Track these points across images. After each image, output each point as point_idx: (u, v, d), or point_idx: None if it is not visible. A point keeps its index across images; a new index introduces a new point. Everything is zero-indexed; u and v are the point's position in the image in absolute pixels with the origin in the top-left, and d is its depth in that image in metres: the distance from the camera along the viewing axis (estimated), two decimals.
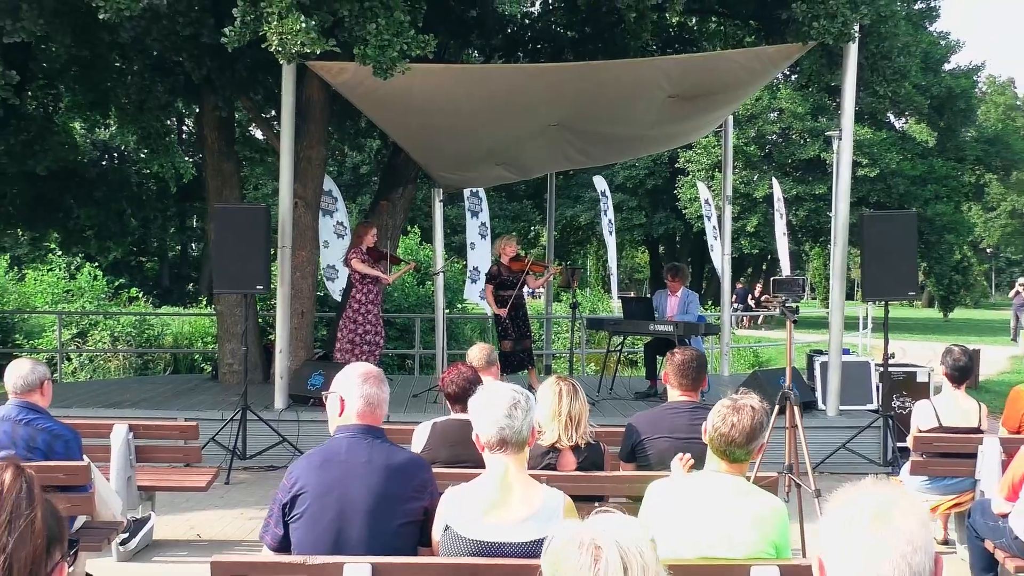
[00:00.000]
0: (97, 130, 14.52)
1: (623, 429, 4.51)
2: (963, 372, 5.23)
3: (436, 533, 3.00)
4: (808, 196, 29.96)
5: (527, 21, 12.10)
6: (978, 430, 5.23)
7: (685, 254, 36.23)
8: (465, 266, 20.68)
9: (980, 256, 53.50)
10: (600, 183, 16.24)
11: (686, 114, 9.72)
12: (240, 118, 13.27)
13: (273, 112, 11.75)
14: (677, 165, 31.96)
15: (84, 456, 4.52)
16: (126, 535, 5.45)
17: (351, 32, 7.08)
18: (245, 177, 13.66)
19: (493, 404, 2.97)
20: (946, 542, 5.86)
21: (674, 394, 4.35)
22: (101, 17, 6.95)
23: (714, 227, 15.53)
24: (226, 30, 7.03)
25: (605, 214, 16.37)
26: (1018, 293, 27.52)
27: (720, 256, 12.73)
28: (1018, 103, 55.61)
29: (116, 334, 15.86)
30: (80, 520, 4.59)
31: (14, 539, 1.66)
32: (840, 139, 8.64)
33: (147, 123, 11.82)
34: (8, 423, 4.27)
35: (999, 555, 4.42)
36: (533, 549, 2.89)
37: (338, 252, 11.10)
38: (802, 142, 30.55)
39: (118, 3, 6.68)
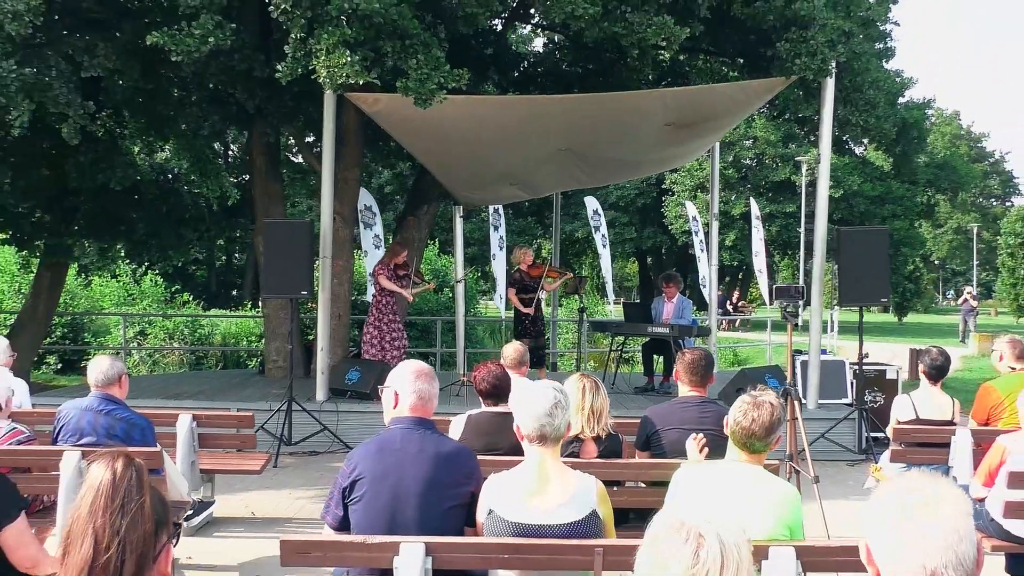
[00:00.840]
0: (154, 154, 14.47)
1: (637, 421, 4.45)
2: (940, 371, 5.15)
3: (480, 516, 2.94)
4: (779, 214, 30.05)
5: (534, 59, 12.03)
6: (951, 423, 5.16)
7: (671, 265, 36.10)
8: (480, 275, 20.61)
9: (929, 267, 53.41)
10: (591, 203, 16.08)
11: (680, 140, 9.67)
12: (282, 142, 13.20)
13: (313, 137, 11.70)
14: (664, 186, 31.92)
15: (156, 443, 4.46)
16: (191, 512, 5.39)
17: (386, 66, 7.02)
18: (285, 195, 13.59)
19: (536, 402, 2.88)
20: None
21: (684, 389, 4.29)
22: (173, 59, 6.93)
23: (701, 241, 15.42)
24: (279, 65, 7.00)
25: (598, 230, 16.25)
26: (966, 300, 27.52)
27: (707, 266, 12.65)
28: (962, 132, 55.71)
29: (172, 333, 15.85)
30: None
31: (127, 523, 1.63)
32: (819, 163, 8.54)
33: (200, 148, 11.78)
34: (91, 413, 4.23)
35: (976, 536, 4.33)
36: (570, 530, 2.83)
37: (375, 261, 11.07)
38: (774, 166, 30.59)
39: (188, 46, 6.65)
